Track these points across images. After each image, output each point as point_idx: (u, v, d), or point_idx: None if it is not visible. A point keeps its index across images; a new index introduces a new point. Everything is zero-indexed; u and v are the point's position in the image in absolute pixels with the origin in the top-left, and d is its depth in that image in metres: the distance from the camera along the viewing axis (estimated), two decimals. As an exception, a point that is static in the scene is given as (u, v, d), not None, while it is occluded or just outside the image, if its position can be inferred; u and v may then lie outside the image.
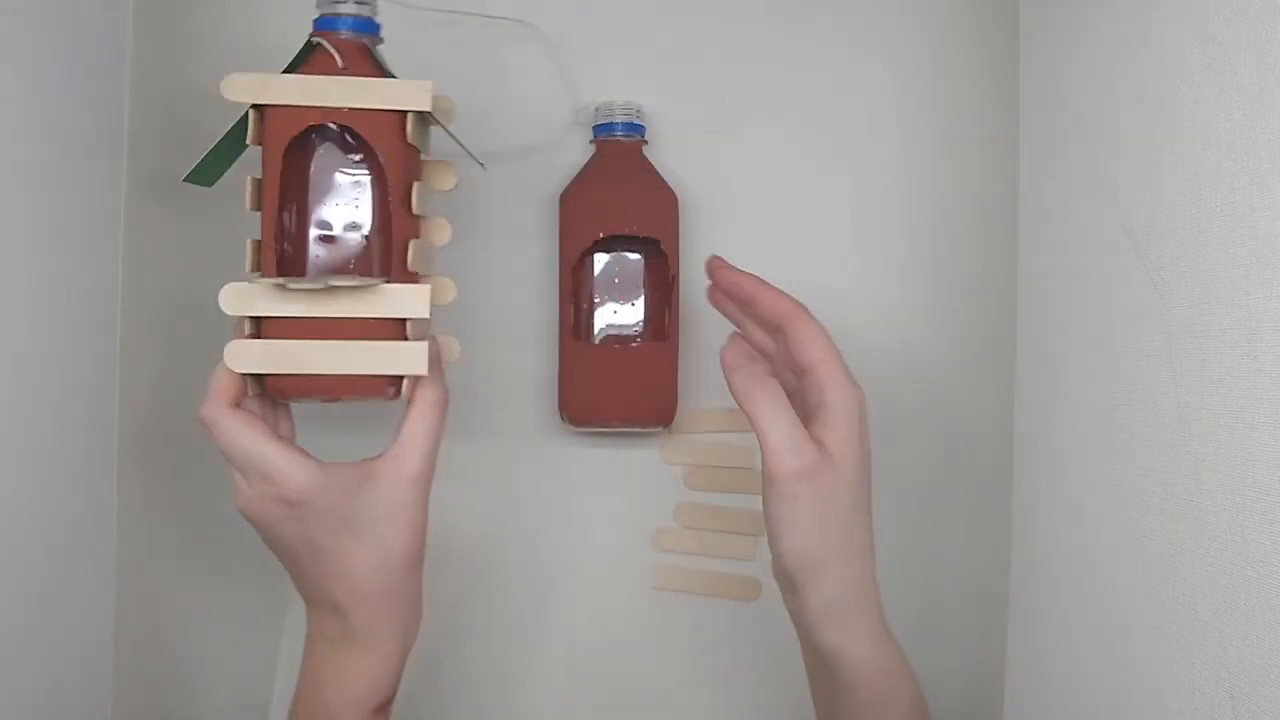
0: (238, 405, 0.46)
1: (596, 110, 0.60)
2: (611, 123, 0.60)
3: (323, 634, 0.49)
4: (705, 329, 0.60)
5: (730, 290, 0.51)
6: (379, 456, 0.47)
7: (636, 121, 0.60)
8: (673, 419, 0.60)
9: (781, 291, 0.49)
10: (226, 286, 0.45)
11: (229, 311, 0.45)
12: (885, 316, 0.64)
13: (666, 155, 0.62)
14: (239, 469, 0.45)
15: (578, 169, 0.61)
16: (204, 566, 0.61)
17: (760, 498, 0.55)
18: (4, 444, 0.48)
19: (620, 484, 0.63)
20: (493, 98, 0.61)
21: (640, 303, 0.61)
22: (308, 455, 0.46)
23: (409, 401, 0.48)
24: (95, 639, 0.57)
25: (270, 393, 0.47)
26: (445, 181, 0.52)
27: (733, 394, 0.47)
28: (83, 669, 0.56)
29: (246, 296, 0.45)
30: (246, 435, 0.44)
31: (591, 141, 0.61)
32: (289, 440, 0.47)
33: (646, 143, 0.61)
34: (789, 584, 0.47)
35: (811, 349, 0.47)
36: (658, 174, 0.60)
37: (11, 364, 0.48)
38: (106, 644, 0.58)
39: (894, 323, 0.64)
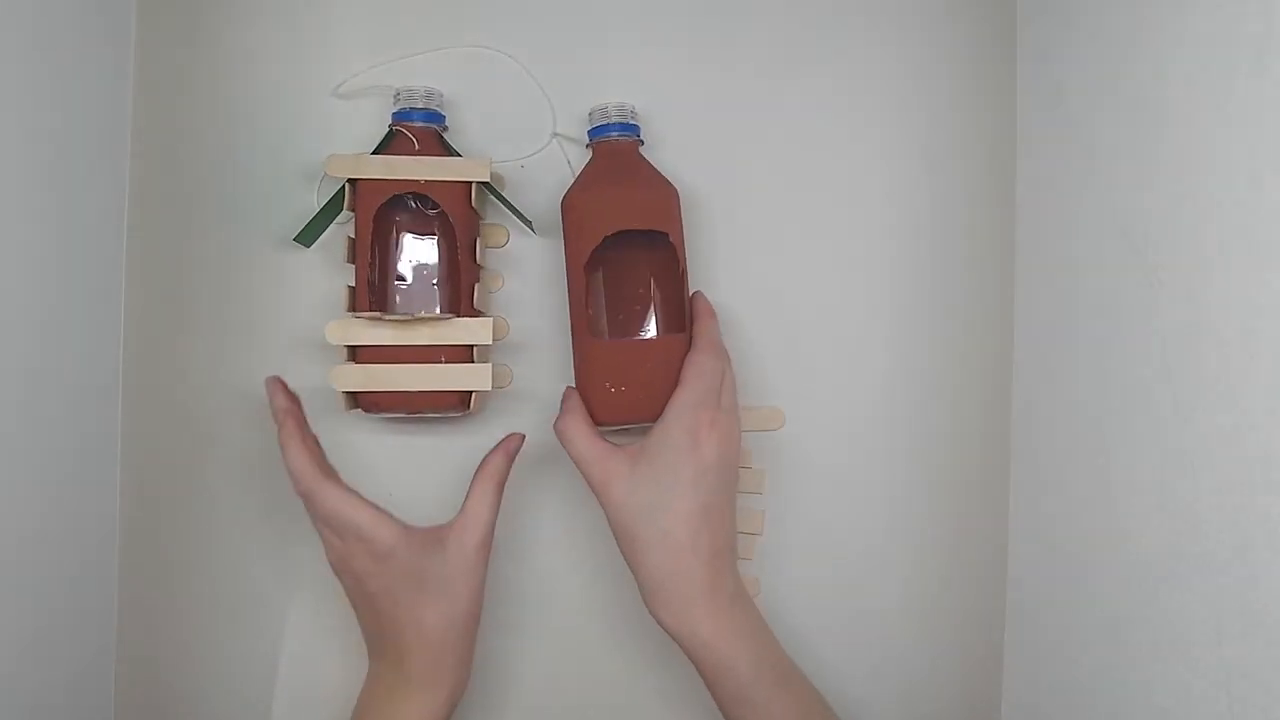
0: (325, 473, 0.52)
1: (591, 114, 0.60)
2: (607, 124, 0.59)
3: (382, 679, 0.54)
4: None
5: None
6: (448, 524, 0.54)
7: (631, 122, 0.60)
8: None
9: (708, 332, 0.56)
10: (331, 321, 0.56)
11: (333, 341, 0.55)
12: (883, 315, 0.64)
13: (662, 156, 0.62)
14: (335, 530, 0.52)
15: (563, 177, 0.62)
16: (206, 569, 0.61)
17: (759, 496, 0.63)
18: (6, 446, 0.49)
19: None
20: (483, 112, 0.63)
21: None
22: (391, 516, 0.52)
23: (475, 476, 0.55)
24: (98, 641, 0.58)
25: (364, 408, 0.57)
26: (498, 240, 0.63)
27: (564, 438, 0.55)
28: (86, 671, 0.57)
29: (347, 328, 0.56)
30: (344, 500, 0.51)
31: (588, 145, 0.60)
32: (375, 504, 0.53)
33: (642, 143, 0.61)
34: None
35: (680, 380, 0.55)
36: (656, 171, 0.60)
37: (14, 364, 0.49)
38: (109, 646, 0.58)
39: (891, 321, 0.64)
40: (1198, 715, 0.41)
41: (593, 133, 0.60)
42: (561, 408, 0.56)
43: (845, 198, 0.64)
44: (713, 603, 0.53)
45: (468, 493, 0.55)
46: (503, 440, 0.57)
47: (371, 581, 0.52)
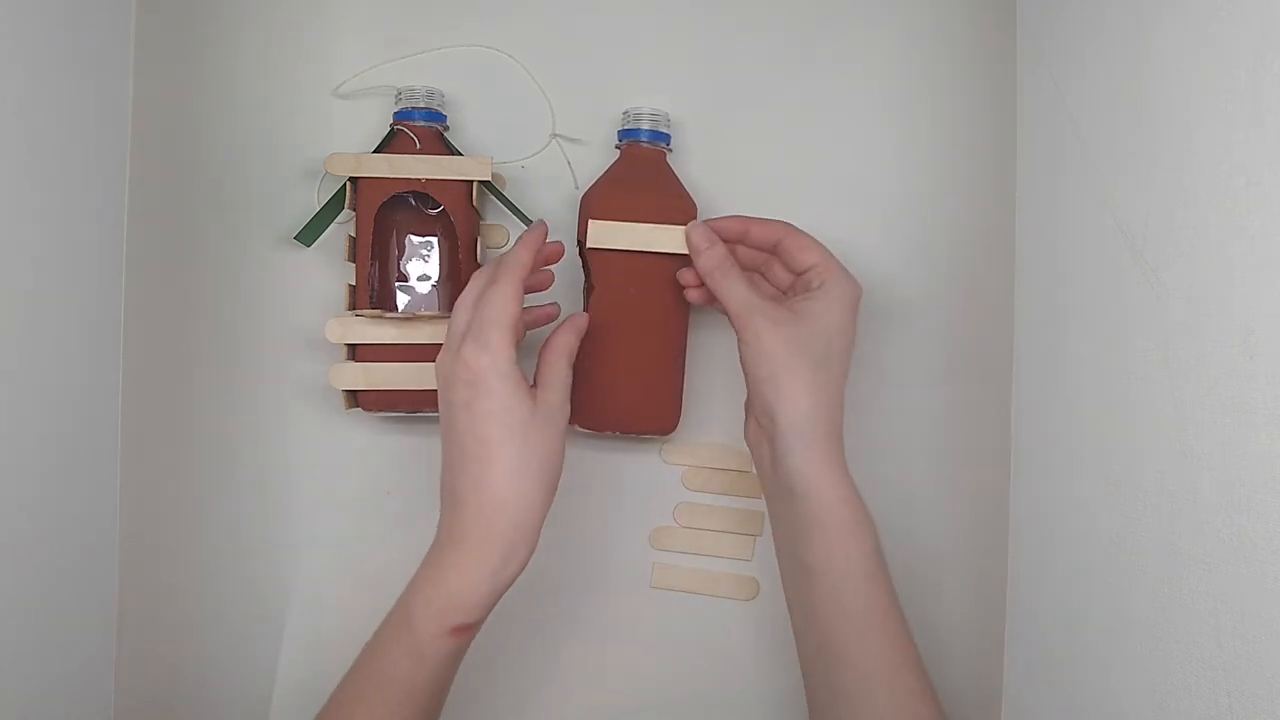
0: (519, 303, 0.49)
1: (625, 115, 0.60)
2: (638, 129, 0.59)
3: (436, 540, 0.49)
4: (713, 336, 0.62)
5: (721, 234, 0.55)
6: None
7: (662, 130, 0.60)
8: (675, 426, 0.59)
9: (766, 218, 0.55)
10: (331, 319, 0.56)
11: (333, 339, 0.56)
12: (883, 316, 0.63)
13: (689, 166, 0.63)
14: (466, 329, 0.48)
15: (563, 178, 0.63)
16: (206, 569, 0.61)
17: (759, 500, 0.62)
18: (5, 446, 0.50)
19: (619, 483, 0.63)
20: (483, 113, 0.63)
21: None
22: (515, 358, 0.48)
23: (541, 354, 0.52)
24: (98, 640, 0.58)
25: (364, 406, 0.57)
26: (498, 240, 0.63)
27: (701, 270, 0.54)
28: (86, 670, 0.57)
29: (347, 327, 0.56)
30: (511, 302, 0.48)
31: (617, 146, 0.61)
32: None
33: (671, 151, 0.61)
34: (763, 409, 0.52)
35: (810, 254, 0.54)
36: (679, 182, 0.60)
37: (14, 364, 0.50)
38: (109, 646, 0.59)
39: (892, 322, 0.64)
40: (1198, 715, 0.40)
41: (622, 134, 0.60)
42: (722, 268, 0.53)
43: (845, 198, 0.64)
44: (846, 464, 0.52)
45: (537, 370, 0.51)
46: (569, 318, 0.54)
47: (461, 414, 0.48)
